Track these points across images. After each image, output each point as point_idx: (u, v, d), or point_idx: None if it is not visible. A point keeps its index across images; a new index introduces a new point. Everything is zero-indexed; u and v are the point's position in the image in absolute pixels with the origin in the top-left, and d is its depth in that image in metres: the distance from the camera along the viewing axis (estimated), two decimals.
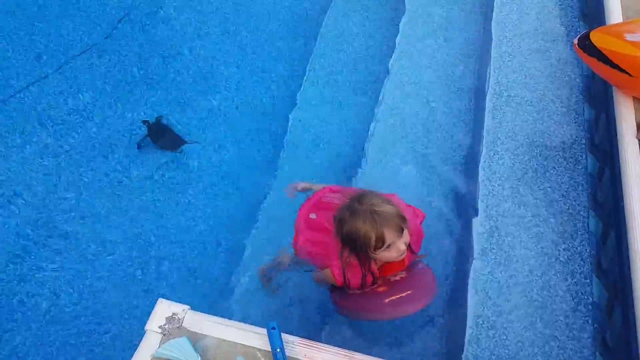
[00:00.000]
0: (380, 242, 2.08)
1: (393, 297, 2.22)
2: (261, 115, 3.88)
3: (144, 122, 3.70)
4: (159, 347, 1.74)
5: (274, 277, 2.93)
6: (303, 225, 2.49)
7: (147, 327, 1.80)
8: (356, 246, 2.15)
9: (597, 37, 2.66)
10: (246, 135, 3.76)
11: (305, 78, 3.96)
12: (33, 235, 3.20)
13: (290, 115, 3.74)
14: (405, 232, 2.14)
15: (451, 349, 2.54)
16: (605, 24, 3.08)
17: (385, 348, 2.58)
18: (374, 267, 2.30)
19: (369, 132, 3.42)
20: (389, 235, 2.08)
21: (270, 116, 3.87)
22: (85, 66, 4.04)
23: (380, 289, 2.28)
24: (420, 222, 2.44)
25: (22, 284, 3.04)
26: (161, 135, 3.64)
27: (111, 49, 4.15)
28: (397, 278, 2.31)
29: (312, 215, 2.46)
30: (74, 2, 4.41)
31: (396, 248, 2.13)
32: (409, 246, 2.26)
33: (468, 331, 2.41)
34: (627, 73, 2.56)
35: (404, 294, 2.22)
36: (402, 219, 2.12)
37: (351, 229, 2.11)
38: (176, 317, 1.82)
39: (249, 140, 3.73)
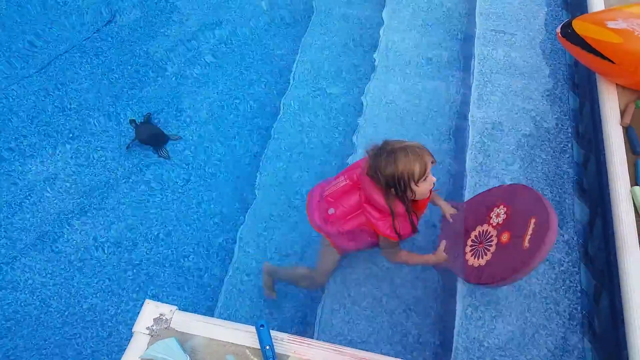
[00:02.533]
0: (424, 170, 2.14)
1: (528, 237, 2.17)
2: (250, 113, 3.87)
3: (131, 121, 3.68)
4: (147, 348, 1.73)
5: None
6: (325, 225, 2.43)
7: (135, 328, 1.79)
8: (400, 185, 2.17)
9: (580, 26, 2.66)
10: (234, 133, 3.75)
11: (292, 74, 3.94)
12: (22, 239, 3.18)
13: (279, 112, 3.73)
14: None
15: (442, 340, 2.55)
16: (587, 12, 3.08)
17: (376, 341, 2.58)
18: (414, 209, 2.34)
19: (358, 126, 3.41)
20: (429, 164, 2.16)
21: (259, 113, 3.86)
22: (70, 65, 4.01)
23: (504, 238, 2.29)
24: None
25: (16, 292, 3.03)
26: (148, 134, 3.63)
27: (96, 49, 4.13)
28: (503, 216, 2.34)
29: (331, 211, 2.41)
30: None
31: (430, 179, 2.20)
32: None
33: (457, 322, 2.42)
34: (609, 60, 2.57)
35: (532, 226, 2.19)
36: (427, 149, 2.20)
37: (394, 169, 2.15)
38: (164, 318, 1.81)
39: (237, 139, 3.73)
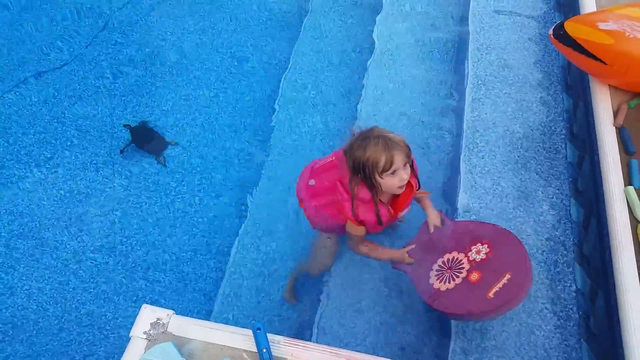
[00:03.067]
0: (389, 164, 2.14)
1: (495, 289, 2.13)
2: (245, 116, 3.86)
3: (125, 126, 3.68)
4: (145, 353, 1.73)
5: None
6: (305, 195, 2.54)
7: (132, 333, 1.79)
8: (365, 171, 2.20)
9: (572, 27, 2.68)
10: (231, 137, 3.74)
11: (284, 78, 3.95)
12: (18, 247, 3.18)
13: (273, 116, 3.74)
14: (408, 166, 2.21)
15: (439, 342, 2.56)
16: (579, 14, 3.10)
17: (373, 343, 2.59)
18: (384, 201, 2.35)
19: (353, 127, 3.42)
20: (398, 159, 2.15)
21: (255, 116, 3.86)
22: (66, 73, 4.02)
23: (473, 277, 2.23)
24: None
25: (13, 297, 3.02)
26: (146, 139, 3.63)
27: (90, 55, 4.14)
28: (482, 256, 2.28)
29: (311, 182, 2.50)
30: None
31: (400, 176, 2.19)
32: (415, 175, 2.36)
33: (453, 323, 2.43)
34: (601, 61, 2.59)
35: (504, 280, 2.13)
36: (409, 149, 2.20)
37: (362, 153, 2.18)
38: (161, 322, 1.81)
39: (233, 142, 3.72)
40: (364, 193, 2.28)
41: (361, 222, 2.36)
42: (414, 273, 2.43)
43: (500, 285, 2.12)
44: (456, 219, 2.76)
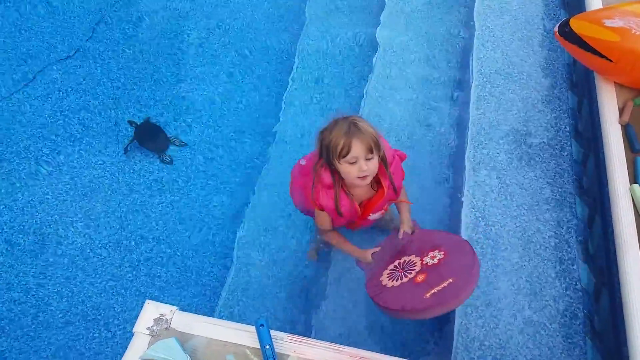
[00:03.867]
0: (346, 149, 2.14)
1: (434, 290, 2.11)
2: (249, 112, 3.87)
3: (130, 122, 3.69)
4: (148, 348, 1.73)
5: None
6: (294, 174, 2.58)
7: (135, 329, 1.80)
8: (328, 154, 2.21)
9: (577, 24, 2.67)
10: (235, 135, 3.75)
11: (291, 75, 3.95)
12: (22, 242, 3.19)
13: (279, 112, 3.73)
14: (375, 160, 2.20)
15: (441, 339, 2.55)
16: (585, 11, 3.09)
17: (376, 340, 2.59)
18: (350, 194, 2.36)
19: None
20: (356, 148, 2.13)
21: (258, 113, 3.86)
22: (69, 68, 4.03)
23: (419, 278, 2.22)
24: (401, 161, 2.47)
25: (10, 292, 3.03)
26: (150, 136, 3.63)
27: (93, 51, 4.14)
28: (435, 261, 2.27)
29: (302, 162, 2.54)
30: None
31: (359, 166, 2.17)
32: (389, 177, 2.34)
33: (457, 321, 2.43)
34: (607, 59, 2.57)
35: (445, 284, 2.12)
36: (376, 143, 2.18)
37: (327, 134, 2.20)
38: (164, 318, 1.81)
39: (238, 140, 3.73)
40: (326, 177, 2.29)
41: (321, 208, 2.38)
42: (370, 271, 2.44)
43: (439, 287, 2.09)
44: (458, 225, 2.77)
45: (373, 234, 2.80)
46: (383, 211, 2.52)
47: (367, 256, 2.46)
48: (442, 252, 2.27)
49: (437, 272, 2.18)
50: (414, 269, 2.26)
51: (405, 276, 2.25)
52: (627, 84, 2.71)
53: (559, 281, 2.56)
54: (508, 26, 3.60)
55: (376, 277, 2.35)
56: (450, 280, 2.11)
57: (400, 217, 2.56)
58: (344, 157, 2.16)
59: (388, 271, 2.34)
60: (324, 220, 2.49)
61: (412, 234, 2.48)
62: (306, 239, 3.06)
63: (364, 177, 2.22)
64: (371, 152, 2.17)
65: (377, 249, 2.47)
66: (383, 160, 2.29)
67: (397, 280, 2.25)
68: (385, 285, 2.27)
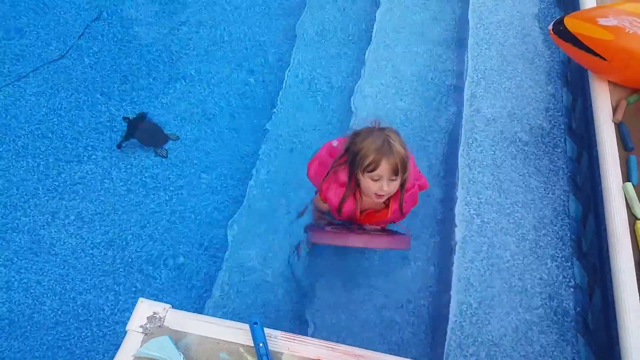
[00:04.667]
0: (373, 166, 2.15)
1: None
2: (242, 110, 3.86)
3: (124, 118, 3.67)
4: (141, 346, 1.73)
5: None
6: (323, 151, 2.59)
7: (128, 327, 1.79)
8: (354, 160, 2.22)
9: (571, 23, 2.67)
10: (229, 132, 3.74)
11: (286, 72, 3.94)
12: (14, 240, 3.18)
13: (272, 109, 3.73)
14: (397, 182, 2.22)
15: (435, 337, 2.56)
16: (579, 9, 3.09)
17: (370, 339, 2.59)
18: (358, 198, 2.39)
19: (350, 124, 3.41)
20: (383, 167, 2.15)
21: (252, 110, 3.85)
22: (62, 65, 4.01)
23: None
24: (421, 188, 2.52)
25: (9, 291, 3.02)
26: (145, 132, 3.62)
27: (87, 48, 4.12)
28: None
29: (334, 143, 2.56)
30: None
31: (380, 185, 2.19)
32: (400, 201, 2.36)
33: (451, 319, 2.43)
34: (601, 57, 2.58)
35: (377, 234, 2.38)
36: (403, 165, 2.19)
37: (359, 143, 2.20)
38: (157, 316, 1.81)
39: (232, 137, 3.72)
40: (342, 176, 2.31)
41: (325, 199, 2.42)
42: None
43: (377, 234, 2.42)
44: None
45: None
46: (379, 227, 2.57)
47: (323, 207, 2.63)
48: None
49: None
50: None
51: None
52: (621, 82, 2.73)
53: (552, 279, 2.57)
54: (503, 24, 3.61)
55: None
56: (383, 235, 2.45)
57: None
58: (369, 172, 2.18)
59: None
60: (322, 206, 2.56)
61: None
62: (301, 235, 3.06)
63: (380, 196, 2.25)
64: (396, 174, 2.18)
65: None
66: (402, 184, 2.29)
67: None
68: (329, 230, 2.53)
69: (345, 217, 2.45)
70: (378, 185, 2.19)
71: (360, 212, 2.47)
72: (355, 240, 2.45)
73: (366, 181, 2.22)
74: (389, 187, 2.21)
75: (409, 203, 2.44)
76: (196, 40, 4.23)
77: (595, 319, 2.40)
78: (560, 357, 2.36)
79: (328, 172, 2.39)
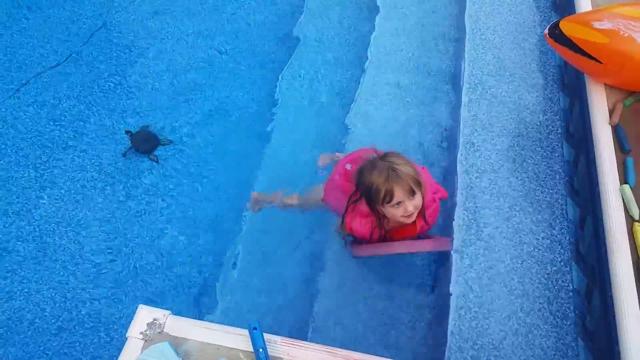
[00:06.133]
0: (389, 197, 2.19)
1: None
2: (241, 117, 3.88)
3: (127, 132, 3.69)
4: (141, 353, 1.73)
5: (262, 206, 3.13)
6: (337, 174, 2.64)
7: (128, 333, 1.80)
8: (369, 197, 2.26)
9: (567, 26, 2.68)
10: (229, 140, 3.76)
11: (281, 77, 3.96)
12: (15, 247, 3.18)
13: (271, 117, 3.74)
14: (418, 196, 2.25)
15: (435, 341, 2.56)
16: (575, 13, 3.11)
17: (370, 343, 2.59)
18: (386, 225, 2.42)
19: (349, 131, 3.42)
20: (398, 193, 2.19)
21: (251, 118, 3.87)
22: (63, 75, 4.03)
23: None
24: (440, 199, 2.56)
25: (10, 300, 3.03)
26: (144, 142, 3.64)
27: (87, 57, 4.14)
28: None
29: (348, 166, 2.60)
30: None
31: (404, 208, 2.23)
32: (423, 216, 2.39)
33: (450, 323, 2.43)
34: (597, 60, 2.59)
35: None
36: (417, 182, 2.23)
37: (367, 180, 2.24)
38: (157, 323, 1.82)
39: (232, 146, 3.73)
40: (364, 208, 2.35)
41: (351, 230, 2.44)
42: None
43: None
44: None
45: None
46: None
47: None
48: None
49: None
50: None
51: None
52: (617, 85, 2.73)
53: (551, 282, 2.57)
54: (499, 28, 3.62)
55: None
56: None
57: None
58: (388, 202, 2.21)
59: None
60: (347, 232, 2.55)
61: None
62: (301, 241, 3.07)
63: (409, 216, 2.28)
64: (413, 193, 2.22)
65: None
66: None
67: None
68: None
69: (375, 241, 2.49)
70: (402, 209, 2.24)
71: (387, 231, 2.50)
72: (400, 247, 2.49)
73: (389, 211, 2.26)
74: (414, 204, 2.25)
75: (433, 216, 2.51)
76: (198, 50, 4.25)
77: (594, 321, 2.40)
78: None
79: (347, 208, 2.42)
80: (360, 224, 2.40)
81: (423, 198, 2.32)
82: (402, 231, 2.50)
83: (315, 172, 3.28)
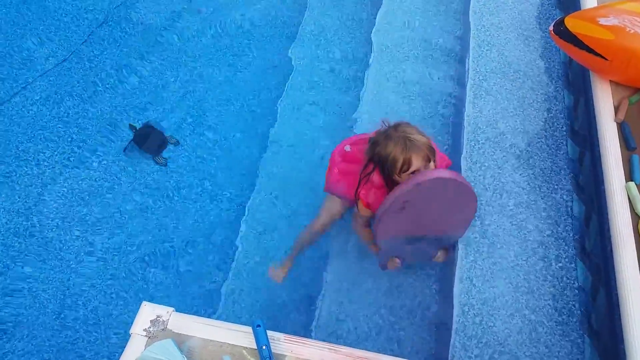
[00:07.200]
0: (407, 166, 2.21)
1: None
2: (245, 115, 3.87)
3: (131, 126, 3.69)
4: (144, 350, 1.73)
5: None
6: (337, 157, 2.63)
7: (132, 330, 1.80)
8: (384, 168, 2.28)
9: (572, 23, 2.67)
10: (233, 138, 3.76)
11: (289, 76, 3.96)
12: (18, 244, 3.19)
13: (274, 115, 3.74)
14: (432, 164, 2.27)
15: (439, 338, 2.56)
16: (580, 9, 3.09)
17: (373, 340, 2.59)
18: None
19: (353, 130, 3.42)
20: (416, 162, 2.21)
21: (254, 115, 3.87)
22: (66, 71, 4.03)
23: None
24: (446, 166, 2.57)
25: (12, 295, 3.03)
26: (147, 138, 3.63)
27: (90, 54, 4.14)
28: None
29: (347, 148, 2.61)
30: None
31: None
32: None
33: (455, 320, 2.42)
34: (602, 57, 2.58)
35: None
36: (432, 150, 2.26)
37: (382, 150, 2.26)
38: (161, 320, 1.81)
39: (236, 143, 3.73)
40: (378, 180, 2.35)
41: (368, 205, 2.43)
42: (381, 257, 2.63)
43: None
44: None
45: None
46: None
47: (394, 264, 2.62)
48: None
49: None
50: None
51: None
52: (623, 82, 2.72)
53: (556, 279, 2.56)
54: (504, 25, 3.60)
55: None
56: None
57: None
58: (405, 172, 2.23)
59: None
60: (365, 212, 2.54)
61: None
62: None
63: None
64: (429, 160, 2.25)
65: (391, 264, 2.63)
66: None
67: None
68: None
69: None
70: None
71: None
72: (425, 175, 2.25)
73: (406, 179, 2.26)
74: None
75: None
76: (201, 48, 4.25)
77: (599, 318, 2.39)
78: (565, 357, 2.35)
79: (359, 183, 2.42)
80: (376, 196, 2.40)
81: (435, 165, 2.34)
82: None
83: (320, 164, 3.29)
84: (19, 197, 3.39)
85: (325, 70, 4.00)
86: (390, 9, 4.04)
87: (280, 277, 2.94)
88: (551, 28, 2.78)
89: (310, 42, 4.16)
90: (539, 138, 3.04)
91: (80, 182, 3.46)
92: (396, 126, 2.31)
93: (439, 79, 3.65)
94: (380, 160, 2.29)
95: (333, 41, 4.17)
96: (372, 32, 3.91)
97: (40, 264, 3.13)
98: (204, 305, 2.94)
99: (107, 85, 3.97)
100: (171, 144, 3.66)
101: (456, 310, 2.45)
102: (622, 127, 2.56)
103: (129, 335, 1.80)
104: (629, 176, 2.40)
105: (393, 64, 3.72)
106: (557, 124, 3.10)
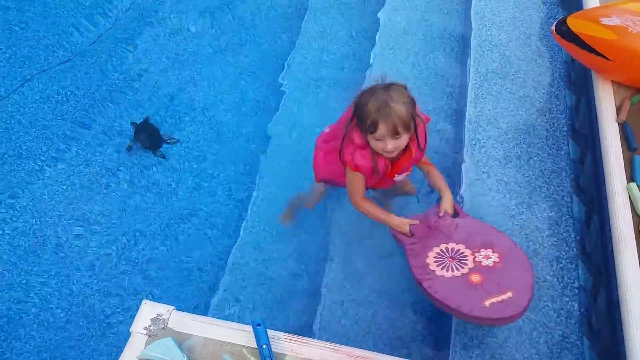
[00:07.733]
0: (372, 128, 2.14)
1: (493, 300, 2.05)
2: (247, 113, 3.88)
3: (132, 123, 3.69)
4: (145, 348, 1.73)
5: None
6: (319, 143, 2.61)
7: (132, 328, 1.79)
8: (360, 120, 2.20)
9: (574, 23, 2.67)
10: (232, 134, 3.76)
11: (285, 73, 3.96)
12: (21, 242, 3.19)
13: (273, 113, 3.73)
14: (402, 138, 2.17)
15: (439, 337, 2.55)
16: (582, 9, 3.08)
17: (374, 340, 2.59)
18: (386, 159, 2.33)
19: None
20: (381, 129, 2.13)
21: (254, 114, 3.86)
22: (68, 69, 4.03)
23: (474, 278, 2.14)
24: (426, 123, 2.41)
25: (11, 291, 3.03)
26: (145, 135, 3.64)
27: (94, 53, 4.14)
28: (490, 263, 2.19)
29: (326, 129, 2.59)
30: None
31: (383, 145, 2.18)
32: (417, 144, 2.31)
33: (455, 319, 2.43)
34: (604, 57, 2.57)
35: (505, 297, 2.06)
36: (404, 124, 2.14)
37: (362, 100, 2.18)
38: (161, 318, 1.81)
39: (235, 139, 3.73)
40: (357, 137, 2.26)
41: (356, 168, 2.33)
42: (411, 247, 2.35)
43: (499, 299, 2.04)
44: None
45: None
46: (408, 172, 2.48)
47: (404, 227, 2.40)
48: (497, 256, 2.21)
49: (495, 279, 2.12)
50: (466, 264, 2.20)
51: (457, 269, 2.18)
52: (625, 82, 2.71)
53: (557, 280, 2.55)
54: (506, 24, 3.60)
55: (421, 259, 2.27)
56: (509, 294, 2.05)
57: (441, 194, 2.49)
58: (371, 133, 2.16)
59: (434, 255, 2.27)
60: (358, 184, 2.43)
61: (453, 216, 2.41)
62: (304, 237, 3.06)
63: (389, 153, 2.23)
64: (397, 133, 2.15)
65: (414, 222, 2.41)
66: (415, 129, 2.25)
67: (447, 271, 2.19)
68: (434, 271, 2.20)
69: (382, 174, 2.37)
70: (381, 145, 2.18)
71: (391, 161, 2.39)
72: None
73: (371, 141, 2.21)
74: (394, 144, 2.17)
75: (422, 138, 2.35)
76: (201, 44, 4.25)
77: (599, 319, 2.39)
78: (565, 358, 2.35)
79: (343, 139, 2.32)
80: (362, 156, 2.28)
81: (415, 141, 2.27)
82: (400, 162, 2.37)
83: None
84: (18, 195, 3.38)
85: (325, 66, 4.00)
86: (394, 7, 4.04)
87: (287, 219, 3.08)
88: (553, 27, 2.78)
89: (312, 41, 4.16)
90: (540, 138, 3.04)
91: (80, 178, 3.46)
92: (388, 86, 2.18)
93: (440, 75, 3.64)
94: (357, 109, 2.20)
95: (334, 41, 4.17)
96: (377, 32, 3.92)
97: (39, 260, 3.12)
98: (205, 303, 2.93)
99: (107, 82, 3.97)
100: (171, 144, 3.65)
101: None
102: (623, 128, 2.56)
103: (129, 334, 1.79)
104: (630, 177, 2.40)
105: (394, 59, 3.71)
106: (559, 124, 3.10)
